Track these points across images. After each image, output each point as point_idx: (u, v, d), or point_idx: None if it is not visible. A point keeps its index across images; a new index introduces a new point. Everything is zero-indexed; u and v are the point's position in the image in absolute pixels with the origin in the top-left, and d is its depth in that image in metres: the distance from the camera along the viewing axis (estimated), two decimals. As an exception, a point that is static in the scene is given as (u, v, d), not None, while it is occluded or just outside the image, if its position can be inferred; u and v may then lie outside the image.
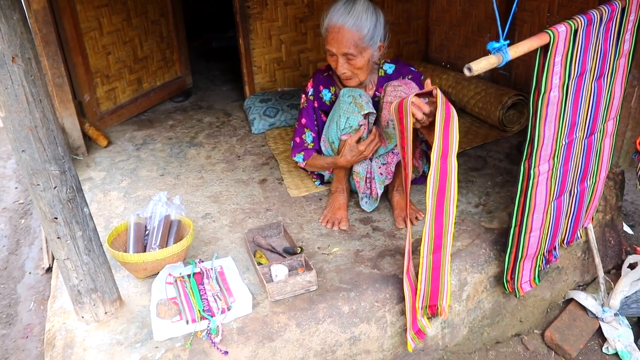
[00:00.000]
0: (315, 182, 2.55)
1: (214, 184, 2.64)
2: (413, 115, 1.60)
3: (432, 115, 1.62)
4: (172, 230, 2.09)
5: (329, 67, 2.31)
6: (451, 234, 1.75)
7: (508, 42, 1.39)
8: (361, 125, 2.10)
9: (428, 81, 1.67)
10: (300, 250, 2.01)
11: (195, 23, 5.18)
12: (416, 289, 1.81)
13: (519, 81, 3.11)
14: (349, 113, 2.10)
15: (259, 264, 1.99)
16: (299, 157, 2.37)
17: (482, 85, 3.07)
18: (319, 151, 2.34)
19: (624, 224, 2.68)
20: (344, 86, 2.21)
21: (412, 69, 2.25)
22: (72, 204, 1.60)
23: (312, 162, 2.33)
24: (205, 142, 3.11)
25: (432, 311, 1.86)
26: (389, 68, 2.27)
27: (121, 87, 3.36)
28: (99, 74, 3.20)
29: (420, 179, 2.44)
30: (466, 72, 1.35)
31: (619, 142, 2.37)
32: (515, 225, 1.89)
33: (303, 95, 2.37)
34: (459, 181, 2.04)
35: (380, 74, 2.27)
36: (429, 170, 1.61)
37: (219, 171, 2.76)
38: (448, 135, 1.58)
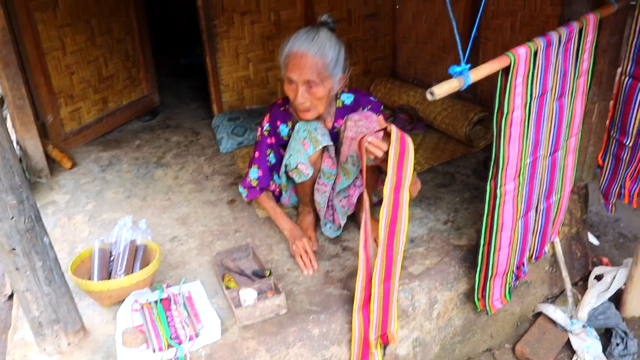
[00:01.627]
0: None
1: (182, 206, 2.60)
2: (372, 154, 1.65)
3: None
4: (138, 256, 2.05)
5: (285, 101, 2.26)
6: (400, 261, 1.77)
7: (469, 65, 1.40)
8: (299, 165, 2.07)
9: (381, 117, 1.68)
10: (269, 273, 1.99)
11: (163, 39, 5.12)
12: (369, 320, 1.80)
13: (484, 97, 3.16)
14: (295, 150, 2.08)
15: (228, 287, 1.96)
16: (243, 191, 2.33)
17: (449, 101, 3.10)
18: (267, 190, 2.33)
19: (589, 235, 2.73)
20: (301, 120, 2.15)
21: (371, 98, 2.22)
22: (30, 234, 1.55)
23: (263, 204, 2.33)
24: (173, 162, 3.07)
25: (384, 340, 1.86)
26: (347, 98, 2.22)
27: (86, 107, 3.30)
28: (63, 94, 3.13)
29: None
30: (429, 97, 1.36)
31: (582, 157, 2.42)
32: (484, 244, 1.90)
33: (259, 129, 2.29)
34: (427, 198, 2.05)
35: (338, 105, 2.22)
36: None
37: (187, 192, 2.73)
38: (402, 169, 1.61)
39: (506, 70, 1.57)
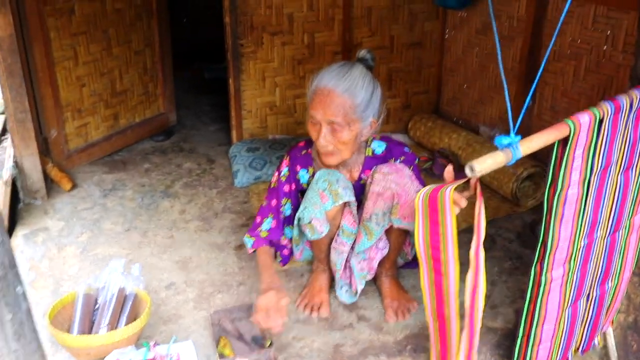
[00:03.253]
0: (278, 260, 2.33)
1: (185, 246, 2.53)
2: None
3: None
4: (125, 307, 1.97)
5: (308, 144, 2.17)
6: (480, 331, 1.67)
7: (519, 137, 1.29)
8: (313, 220, 1.97)
9: (449, 168, 1.56)
10: (269, 343, 1.88)
11: (188, 51, 5.14)
12: None
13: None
14: (311, 202, 1.97)
15: (222, 356, 1.86)
16: (248, 241, 2.17)
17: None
18: (275, 244, 2.21)
19: (649, 322, 2.55)
20: (324, 166, 2.06)
21: (405, 149, 2.12)
22: (2, 283, 1.48)
23: (258, 256, 2.14)
24: (182, 192, 3.01)
25: None
26: (378, 147, 2.12)
27: (94, 123, 3.28)
28: (70, 108, 3.12)
29: (410, 264, 2.32)
30: (468, 173, 1.25)
31: (647, 234, 2.25)
32: (522, 336, 1.77)
33: (276, 174, 2.19)
34: (461, 264, 1.94)
35: (367, 154, 2.12)
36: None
37: (192, 230, 2.65)
38: (480, 226, 1.53)
39: (564, 141, 1.45)
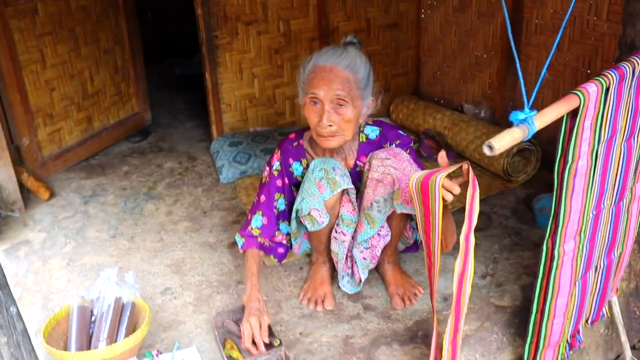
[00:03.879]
0: (274, 261, 2.24)
1: (176, 249, 2.45)
2: (443, 199, 1.50)
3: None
4: (123, 317, 1.89)
5: (299, 135, 2.11)
6: (464, 317, 1.64)
7: (535, 112, 1.24)
8: (312, 211, 1.91)
9: (442, 153, 1.53)
10: (278, 342, 1.82)
11: (155, 46, 5.00)
12: None
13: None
14: (308, 193, 1.91)
15: (230, 357, 1.79)
16: (239, 241, 2.12)
17: (483, 127, 2.95)
18: (266, 247, 2.13)
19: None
20: (317, 156, 2.01)
21: (400, 132, 2.07)
22: (-6, 304, 1.39)
23: (245, 260, 2.08)
24: (166, 193, 2.91)
25: None
26: (372, 132, 2.07)
27: (67, 128, 3.16)
28: (41, 113, 2.99)
29: (410, 248, 2.28)
30: (486, 152, 1.21)
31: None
32: (536, 312, 1.74)
33: (267, 168, 2.12)
34: (460, 245, 1.90)
35: (361, 139, 2.07)
36: (420, 240, 1.55)
37: (182, 231, 2.57)
38: (472, 214, 1.49)
39: (572, 113, 1.41)
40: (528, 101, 1.23)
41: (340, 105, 1.87)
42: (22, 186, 2.79)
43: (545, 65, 1.40)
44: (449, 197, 1.50)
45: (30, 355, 1.52)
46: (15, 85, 2.82)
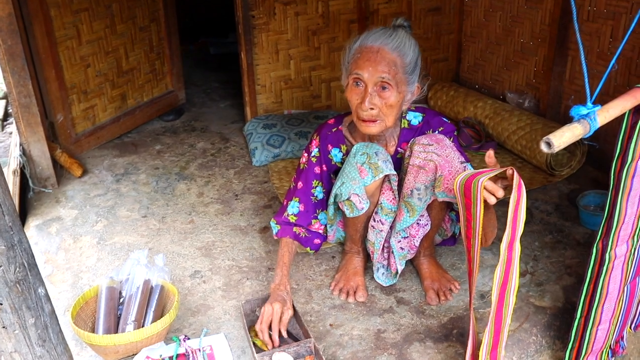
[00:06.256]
0: (310, 251, 2.17)
1: (206, 231, 2.41)
2: (485, 201, 1.43)
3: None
4: (152, 300, 1.86)
5: (338, 121, 2.04)
6: (508, 326, 1.57)
7: (598, 107, 1.15)
8: (352, 196, 1.84)
9: (490, 152, 1.45)
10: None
11: (191, 25, 4.95)
12: None
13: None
14: (349, 178, 1.84)
15: (255, 345, 1.75)
16: (274, 227, 2.07)
17: (527, 118, 2.82)
18: (302, 239, 2.06)
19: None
20: (358, 141, 1.94)
21: (443, 119, 1.99)
22: (22, 285, 1.36)
23: (279, 247, 2.02)
24: (198, 174, 2.87)
25: None
26: (415, 118, 1.99)
27: (101, 105, 3.13)
28: (76, 90, 2.97)
29: (448, 241, 2.20)
30: (544, 149, 1.12)
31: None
32: (580, 317, 1.65)
33: (305, 154, 2.06)
34: (499, 240, 1.81)
35: (403, 125, 1.99)
36: (459, 232, 1.47)
37: (213, 214, 2.53)
38: (517, 220, 1.40)
39: (636, 109, 1.31)
40: (591, 95, 1.13)
41: (384, 88, 1.79)
42: (55, 162, 2.79)
43: (615, 56, 1.29)
44: (492, 200, 1.42)
45: (58, 336, 1.50)
46: (51, 61, 2.80)
